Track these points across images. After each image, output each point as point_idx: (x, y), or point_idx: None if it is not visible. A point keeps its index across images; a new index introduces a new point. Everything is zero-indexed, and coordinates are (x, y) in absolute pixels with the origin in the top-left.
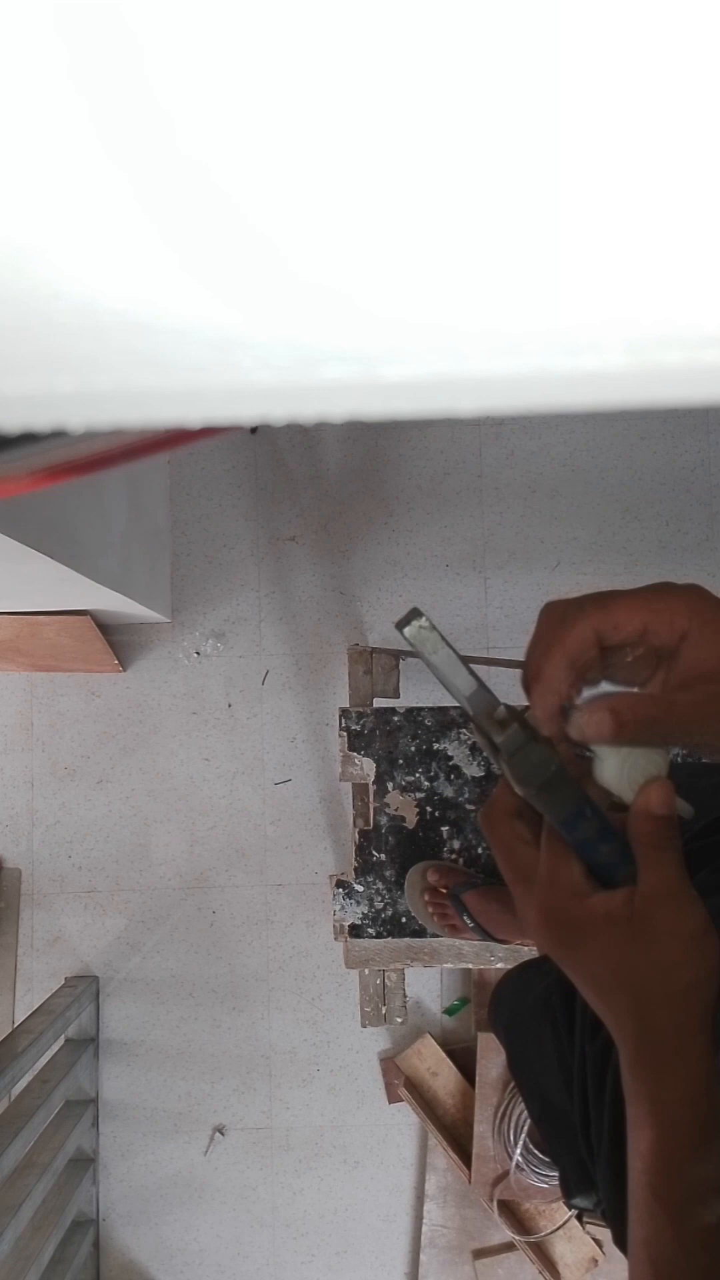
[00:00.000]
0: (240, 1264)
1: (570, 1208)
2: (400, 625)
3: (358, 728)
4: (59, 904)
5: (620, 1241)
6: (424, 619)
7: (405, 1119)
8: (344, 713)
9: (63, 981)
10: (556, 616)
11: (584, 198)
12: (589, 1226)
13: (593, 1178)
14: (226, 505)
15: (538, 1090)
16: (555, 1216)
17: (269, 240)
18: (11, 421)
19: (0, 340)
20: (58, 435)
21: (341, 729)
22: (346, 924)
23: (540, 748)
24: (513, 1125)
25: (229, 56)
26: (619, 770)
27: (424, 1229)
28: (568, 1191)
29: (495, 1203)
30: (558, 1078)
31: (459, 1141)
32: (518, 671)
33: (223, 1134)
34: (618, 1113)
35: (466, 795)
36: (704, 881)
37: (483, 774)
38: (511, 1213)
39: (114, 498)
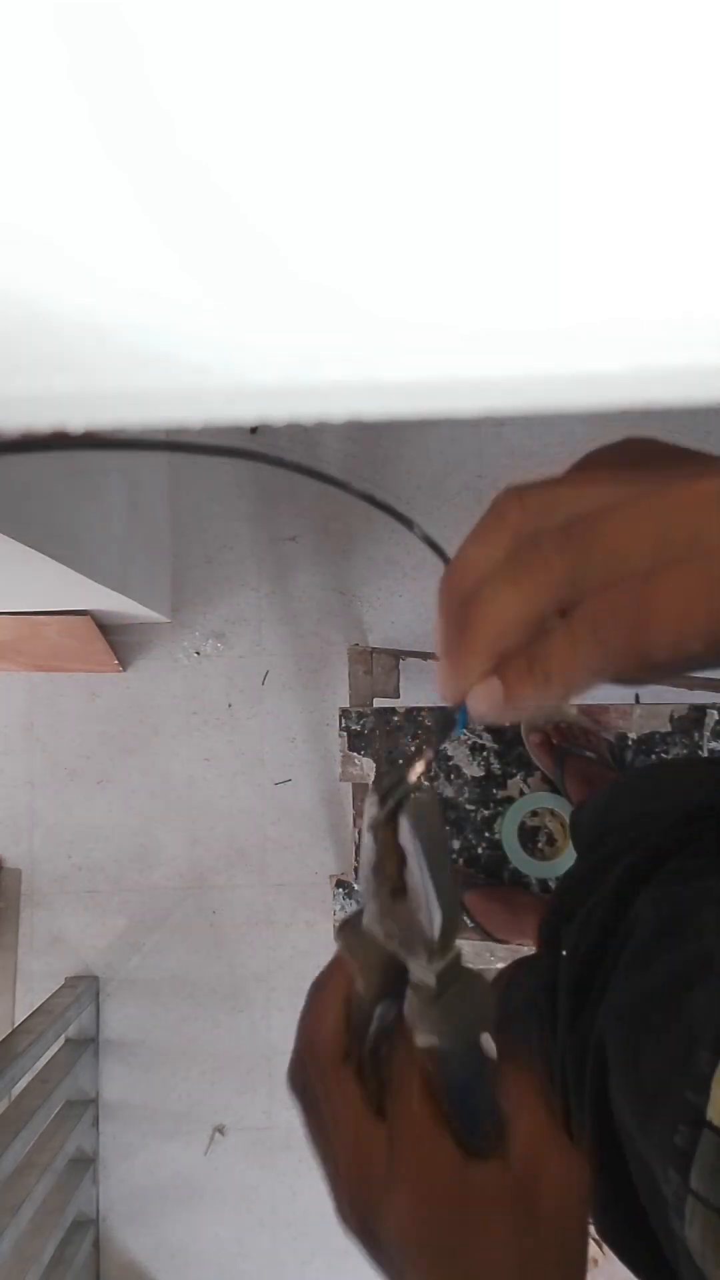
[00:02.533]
0: (240, 1264)
1: None
2: (387, 789)
3: (358, 728)
4: (59, 904)
5: (605, 1234)
6: (425, 787)
7: None
8: (344, 713)
9: (63, 981)
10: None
11: (584, 198)
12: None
13: None
14: (226, 505)
15: None
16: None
17: (269, 240)
18: (11, 421)
19: (0, 340)
20: None
21: (341, 729)
22: None
23: (483, 983)
24: None
25: (229, 56)
26: (444, 1012)
27: None
28: None
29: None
30: (543, 1074)
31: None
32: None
33: (223, 1134)
34: (596, 1104)
35: (466, 795)
36: (679, 868)
37: (483, 774)
38: None
39: (114, 498)
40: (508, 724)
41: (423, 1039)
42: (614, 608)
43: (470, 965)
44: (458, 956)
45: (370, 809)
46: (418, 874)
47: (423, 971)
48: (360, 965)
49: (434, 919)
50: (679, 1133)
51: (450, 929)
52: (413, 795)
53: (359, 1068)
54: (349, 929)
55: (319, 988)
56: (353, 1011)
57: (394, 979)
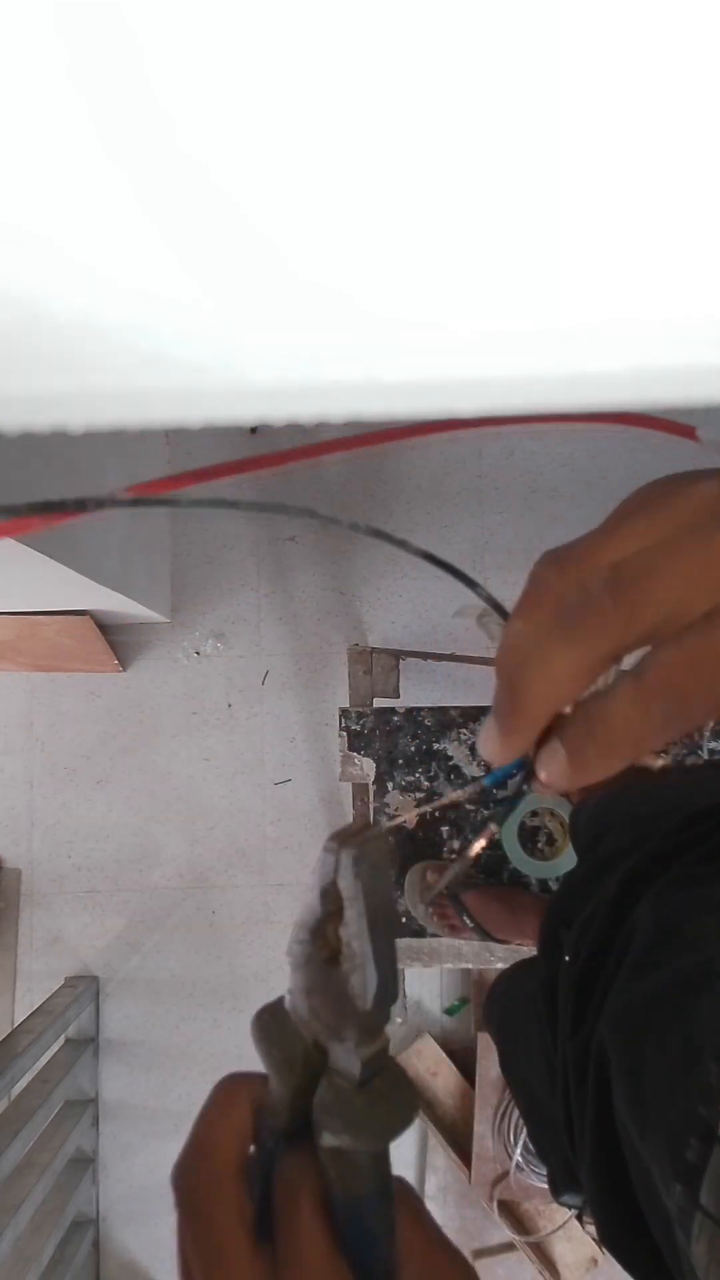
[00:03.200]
0: None
1: (560, 1203)
2: (343, 838)
3: (358, 728)
4: (59, 904)
5: (605, 1239)
6: (379, 831)
7: None
8: (344, 713)
9: (63, 981)
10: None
11: (584, 198)
12: (589, 1226)
13: (578, 1175)
14: None
15: (525, 1088)
16: (555, 1217)
17: (269, 240)
18: (12, 421)
19: (0, 340)
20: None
21: (341, 729)
22: None
23: (409, 1080)
24: (512, 1125)
25: (229, 56)
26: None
27: None
28: (555, 1190)
29: (495, 1203)
30: (543, 1076)
31: (459, 1141)
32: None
33: None
34: (598, 1110)
35: (467, 795)
36: (679, 874)
37: (483, 774)
38: (511, 1213)
39: None
40: (573, 790)
41: (331, 1138)
42: (691, 660)
43: (396, 1062)
44: (386, 1044)
45: (323, 860)
46: (355, 926)
47: (346, 1058)
48: (277, 1057)
49: (368, 983)
50: (690, 1147)
51: (385, 997)
52: (361, 832)
53: (253, 1182)
54: (267, 1015)
55: (225, 1086)
56: (262, 1116)
57: (313, 1079)
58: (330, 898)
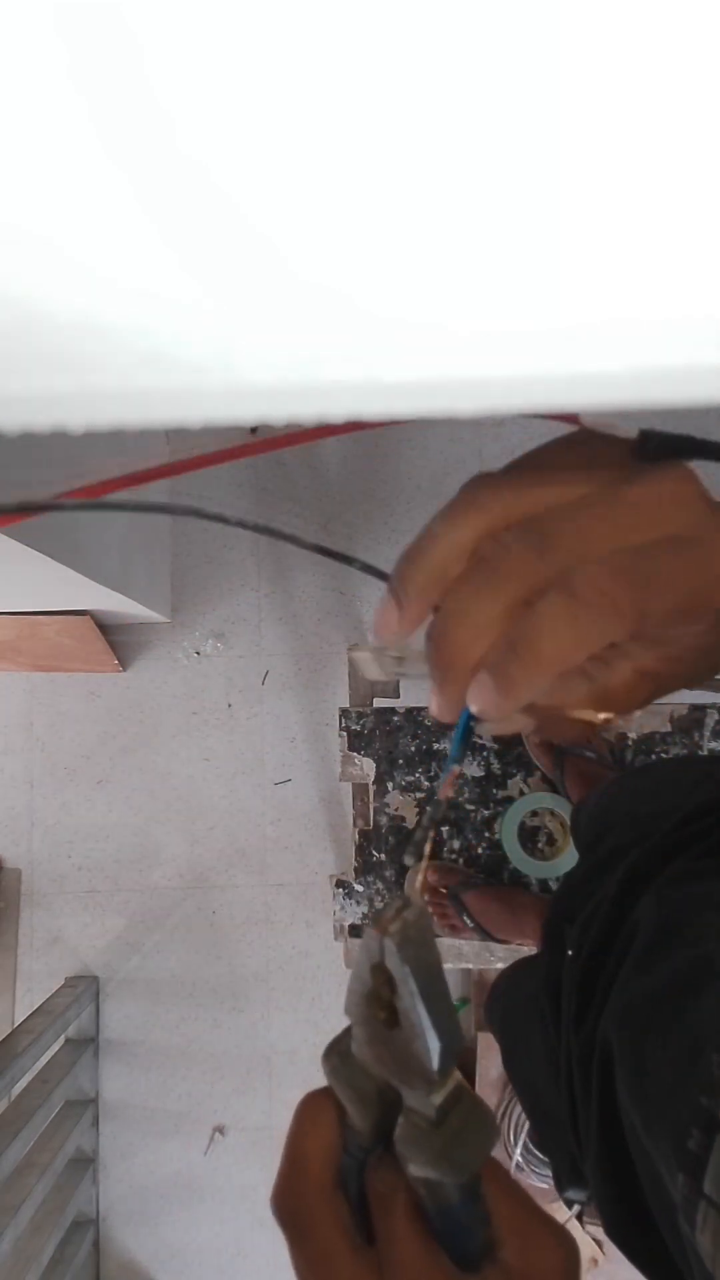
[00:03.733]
0: (240, 1264)
1: (564, 1200)
2: (384, 918)
3: (358, 728)
4: (59, 904)
5: (613, 1233)
6: (413, 905)
7: None
8: (344, 713)
9: (63, 981)
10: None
11: (584, 198)
12: (589, 1226)
13: (583, 1171)
14: (226, 505)
15: (529, 1086)
16: (556, 1216)
17: (269, 240)
18: (11, 421)
19: (0, 340)
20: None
21: (341, 729)
22: (346, 924)
23: (488, 1112)
24: (513, 1125)
25: (229, 56)
26: (441, 1149)
27: None
28: (560, 1185)
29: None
30: (547, 1073)
31: None
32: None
33: (223, 1134)
34: (602, 1104)
35: (467, 795)
36: (679, 871)
37: (483, 774)
38: None
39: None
40: (518, 730)
41: (418, 1169)
42: (616, 570)
43: (469, 1091)
44: (459, 1084)
45: (367, 941)
46: (409, 1001)
47: (420, 1101)
48: (351, 1094)
49: (431, 1050)
50: (692, 1137)
51: (450, 1058)
52: (399, 914)
53: (349, 1190)
54: (336, 1057)
55: (308, 1104)
56: (347, 1128)
57: (390, 1107)
58: (380, 973)
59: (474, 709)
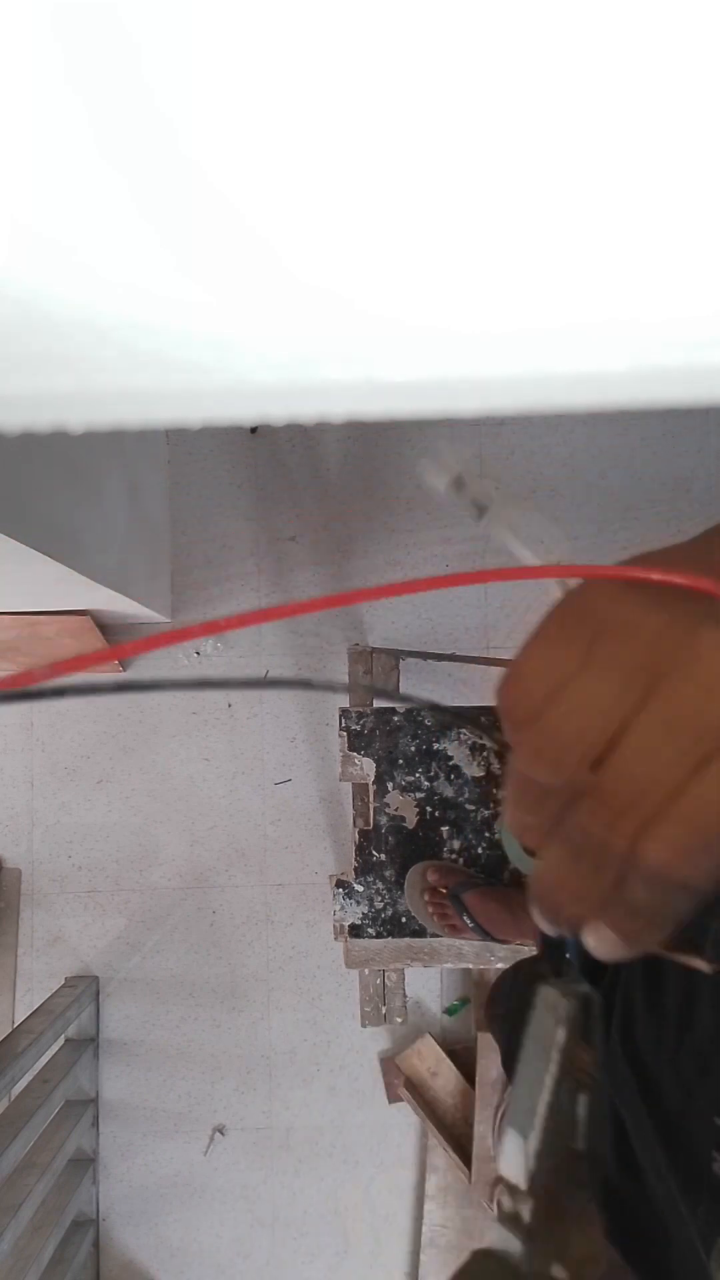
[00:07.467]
0: (240, 1264)
1: None
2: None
3: (358, 728)
4: (59, 904)
5: (610, 1235)
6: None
7: (405, 1119)
8: (344, 713)
9: (63, 981)
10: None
11: (584, 199)
12: None
13: None
14: (226, 505)
15: None
16: None
17: (266, 242)
18: (12, 421)
19: (0, 340)
20: None
21: (341, 729)
22: (346, 924)
23: None
24: None
25: (226, 59)
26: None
27: (424, 1229)
28: None
29: (495, 1203)
30: None
31: (459, 1141)
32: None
33: (223, 1134)
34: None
35: (466, 795)
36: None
37: (483, 774)
38: None
39: (114, 498)
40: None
41: None
42: (688, 818)
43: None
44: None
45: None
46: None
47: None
48: None
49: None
50: (716, 1160)
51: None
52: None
53: None
54: (480, 1256)
55: None
56: None
57: None
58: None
59: (590, 946)
